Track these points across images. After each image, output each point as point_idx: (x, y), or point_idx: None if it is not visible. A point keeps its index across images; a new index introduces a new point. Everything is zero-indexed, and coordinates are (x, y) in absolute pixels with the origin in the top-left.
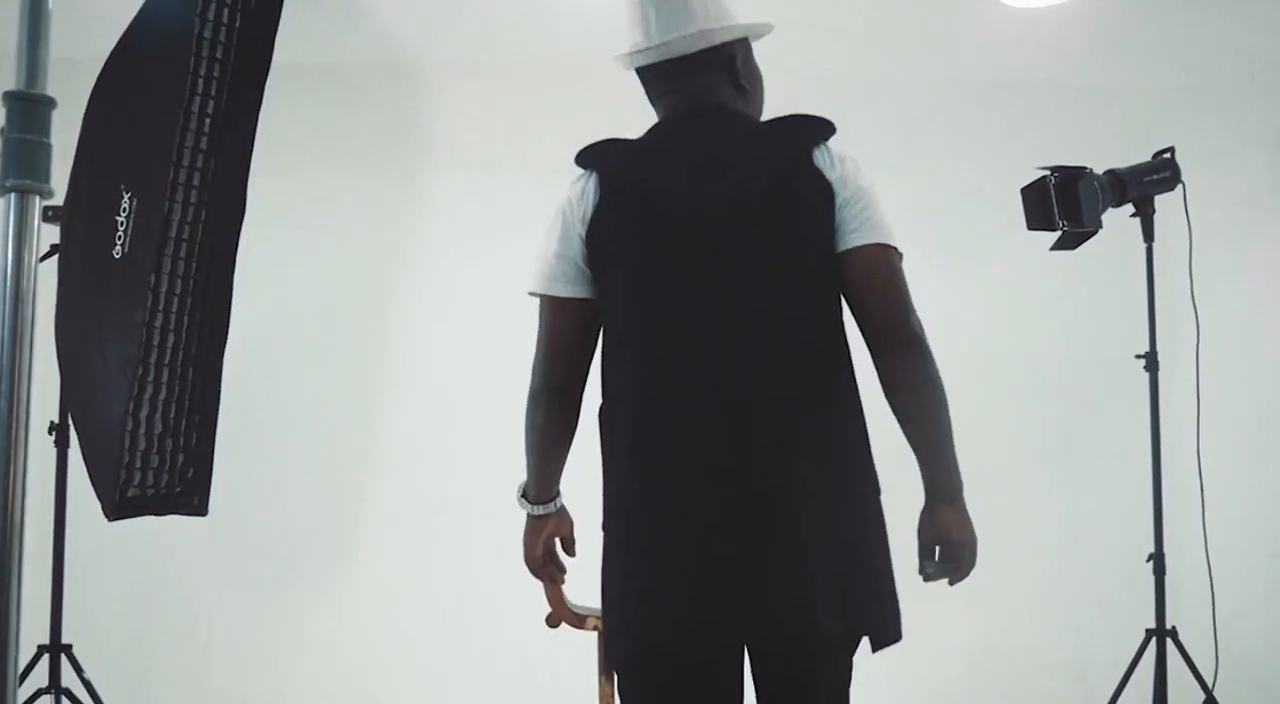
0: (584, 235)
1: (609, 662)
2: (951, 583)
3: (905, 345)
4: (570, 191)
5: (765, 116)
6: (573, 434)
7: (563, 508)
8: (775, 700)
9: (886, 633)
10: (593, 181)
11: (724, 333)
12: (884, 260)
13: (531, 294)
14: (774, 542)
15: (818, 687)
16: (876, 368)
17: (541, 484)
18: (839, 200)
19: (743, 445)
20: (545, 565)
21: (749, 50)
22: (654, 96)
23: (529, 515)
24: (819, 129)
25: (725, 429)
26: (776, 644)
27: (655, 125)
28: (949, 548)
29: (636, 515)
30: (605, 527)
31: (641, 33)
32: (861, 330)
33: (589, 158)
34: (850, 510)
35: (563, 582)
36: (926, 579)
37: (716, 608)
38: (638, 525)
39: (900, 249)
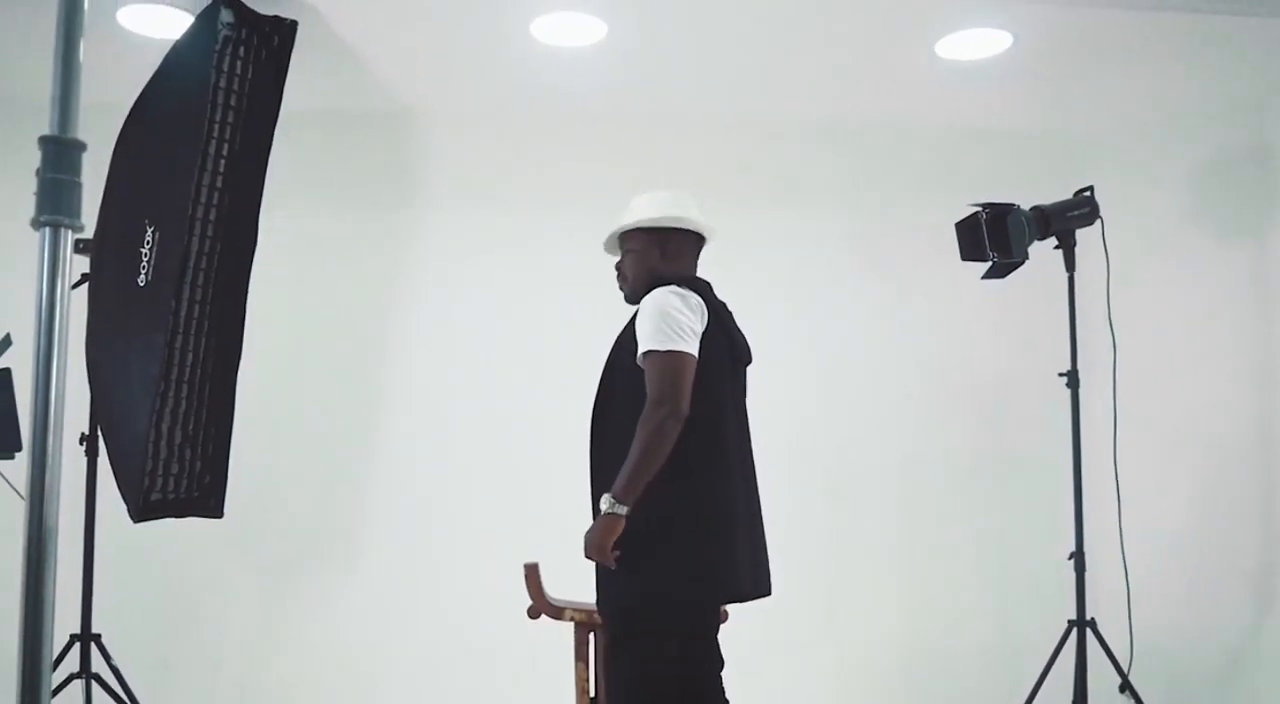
0: (701, 333)
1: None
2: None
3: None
4: (693, 301)
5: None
6: None
7: None
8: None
9: None
10: (702, 305)
11: (746, 421)
12: None
13: (679, 352)
14: (765, 545)
15: None
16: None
17: (641, 487)
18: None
19: (756, 491)
20: (609, 554)
21: None
22: (688, 251)
23: (613, 514)
24: None
25: (752, 478)
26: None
27: (703, 282)
28: None
29: (721, 513)
30: (692, 516)
31: (698, 213)
32: None
33: (693, 286)
34: None
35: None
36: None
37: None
38: (724, 520)
39: None
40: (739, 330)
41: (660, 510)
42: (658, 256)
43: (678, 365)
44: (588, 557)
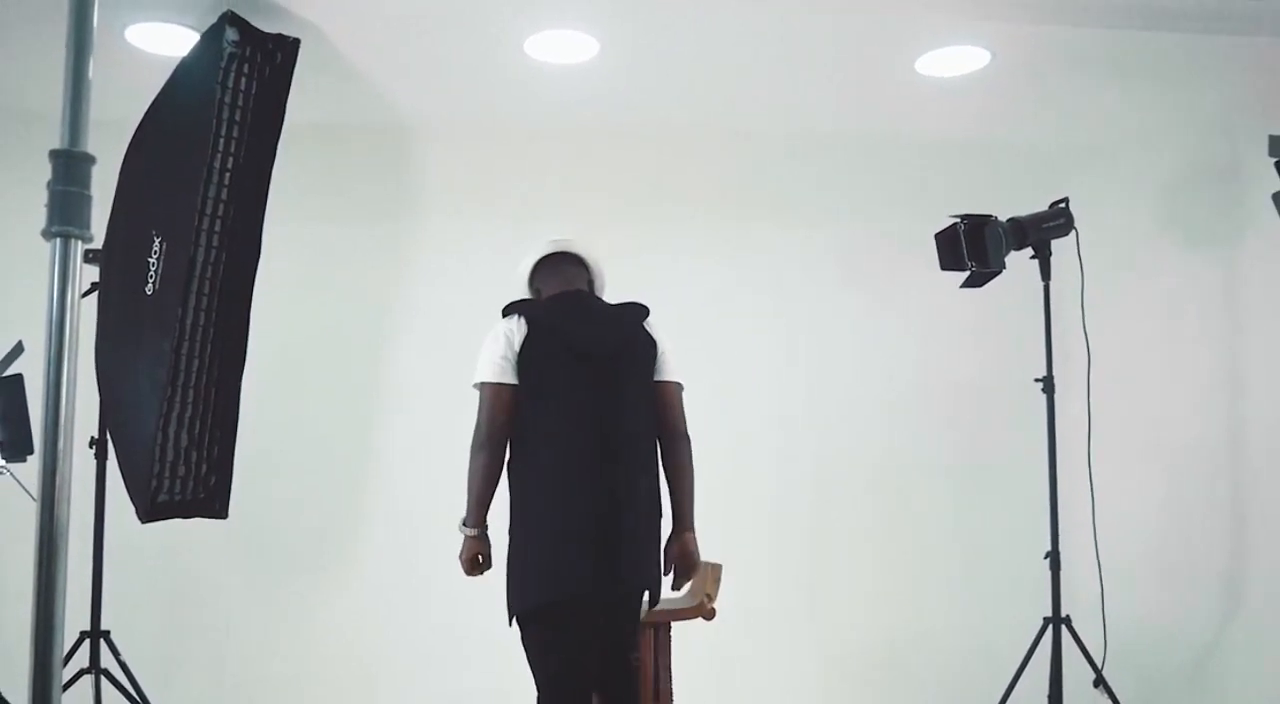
0: (517, 353)
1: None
2: (676, 587)
3: (683, 439)
4: (507, 325)
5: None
6: (500, 474)
7: (486, 533)
8: (615, 632)
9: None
10: (522, 321)
11: (612, 416)
12: (676, 390)
13: (484, 383)
14: (634, 540)
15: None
16: (663, 450)
17: (480, 512)
18: (658, 352)
19: (621, 486)
20: (474, 571)
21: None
22: (548, 271)
23: (467, 537)
24: (644, 311)
25: (611, 474)
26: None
27: (551, 298)
28: (685, 559)
29: (559, 523)
30: (528, 527)
31: (558, 239)
32: (660, 426)
33: (515, 308)
34: (656, 527)
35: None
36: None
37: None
38: (562, 529)
39: (683, 382)
40: (600, 323)
41: (509, 525)
42: (542, 286)
43: (483, 396)
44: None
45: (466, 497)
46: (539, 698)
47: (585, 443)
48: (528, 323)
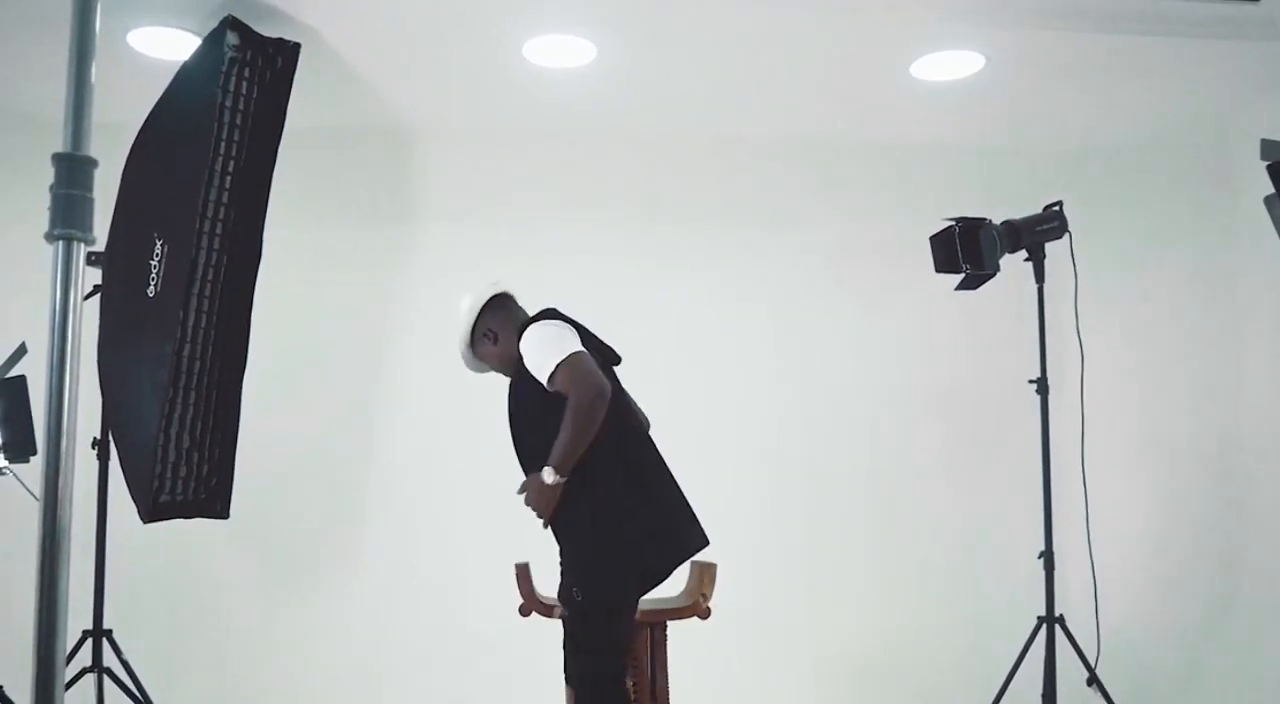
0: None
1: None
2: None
3: None
4: (559, 320)
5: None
6: None
7: None
8: None
9: None
10: (567, 322)
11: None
12: None
13: (576, 352)
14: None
15: None
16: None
17: (577, 458)
18: None
19: (667, 468)
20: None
21: None
22: (494, 310)
23: (553, 485)
24: None
25: (660, 457)
26: None
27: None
28: None
29: (660, 499)
30: (640, 507)
31: (495, 281)
32: None
33: (545, 315)
34: None
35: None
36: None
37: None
38: (665, 504)
39: None
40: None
41: (590, 510)
42: (502, 321)
43: (581, 361)
44: (539, 515)
45: (569, 446)
46: (606, 676)
47: (644, 430)
48: (571, 326)
